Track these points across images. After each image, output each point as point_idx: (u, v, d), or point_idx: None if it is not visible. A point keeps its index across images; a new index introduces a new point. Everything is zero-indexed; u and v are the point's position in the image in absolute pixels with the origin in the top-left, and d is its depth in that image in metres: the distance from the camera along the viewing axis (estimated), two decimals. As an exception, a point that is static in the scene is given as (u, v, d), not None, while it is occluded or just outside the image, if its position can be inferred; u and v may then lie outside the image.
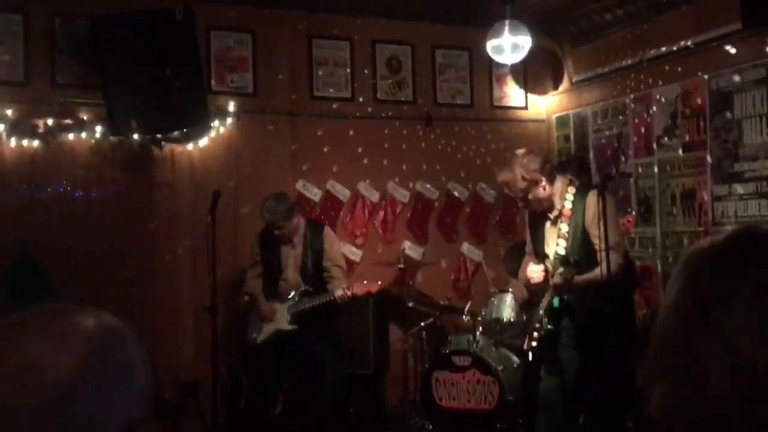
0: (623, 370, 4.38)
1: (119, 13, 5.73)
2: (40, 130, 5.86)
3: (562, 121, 7.49)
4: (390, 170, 7.08)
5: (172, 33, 5.78)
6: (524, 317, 5.41)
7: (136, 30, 5.72)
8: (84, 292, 5.47)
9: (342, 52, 6.97)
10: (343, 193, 6.92)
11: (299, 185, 6.77)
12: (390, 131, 7.11)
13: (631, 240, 6.23)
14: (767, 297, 0.90)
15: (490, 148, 7.41)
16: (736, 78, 5.61)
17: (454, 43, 7.35)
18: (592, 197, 4.51)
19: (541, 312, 4.56)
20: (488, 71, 7.44)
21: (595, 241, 4.45)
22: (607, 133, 6.89)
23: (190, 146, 6.30)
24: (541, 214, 4.76)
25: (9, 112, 5.79)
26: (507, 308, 5.94)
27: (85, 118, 5.98)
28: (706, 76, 5.85)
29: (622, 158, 6.68)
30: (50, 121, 5.88)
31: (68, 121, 5.94)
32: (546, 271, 4.60)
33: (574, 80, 7.35)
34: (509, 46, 6.57)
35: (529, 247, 5.00)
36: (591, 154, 7.05)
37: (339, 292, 5.54)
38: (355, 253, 6.89)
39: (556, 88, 7.61)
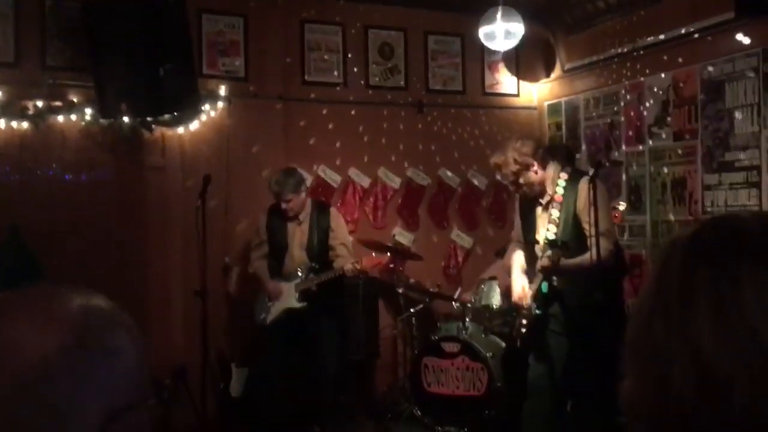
0: (612, 357, 4.38)
1: (110, -5, 5.69)
2: (30, 112, 5.82)
3: (553, 109, 7.48)
4: (381, 156, 7.07)
5: (164, 16, 5.73)
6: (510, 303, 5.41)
7: (127, 12, 5.67)
8: (73, 274, 5.43)
9: (334, 37, 6.95)
10: (333, 178, 6.91)
11: (290, 170, 6.74)
12: (382, 117, 7.09)
13: (621, 228, 6.23)
14: (731, 297, 0.84)
15: (482, 134, 7.40)
16: (728, 67, 5.61)
17: (447, 30, 7.33)
18: (583, 184, 4.52)
19: (529, 298, 4.58)
20: (480, 58, 7.43)
21: (586, 227, 4.46)
22: (599, 121, 6.89)
23: (180, 130, 6.27)
24: (532, 199, 4.76)
25: (-1, 93, 5.75)
26: (496, 295, 5.98)
27: (75, 100, 5.94)
28: (697, 66, 5.86)
29: (614, 147, 6.68)
30: (40, 103, 5.84)
31: (58, 104, 5.89)
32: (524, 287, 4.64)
33: (566, 68, 7.34)
34: (502, 32, 6.55)
35: (516, 233, 5.00)
36: (582, 143, 7.05)
37: (348, 266, 5.54)
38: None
39: (548, 75, 7.60)
